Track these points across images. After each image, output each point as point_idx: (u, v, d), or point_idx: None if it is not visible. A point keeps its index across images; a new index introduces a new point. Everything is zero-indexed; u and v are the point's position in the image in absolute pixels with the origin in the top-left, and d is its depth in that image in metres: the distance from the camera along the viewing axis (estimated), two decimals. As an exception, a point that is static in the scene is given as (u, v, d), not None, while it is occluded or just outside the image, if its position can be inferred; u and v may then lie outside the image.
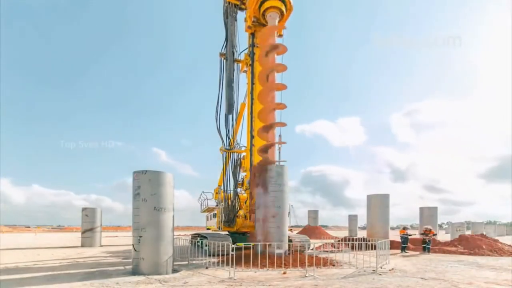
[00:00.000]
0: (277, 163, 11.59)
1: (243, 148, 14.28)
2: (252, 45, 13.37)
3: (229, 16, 13.49)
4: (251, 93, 13.31)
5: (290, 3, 11.89)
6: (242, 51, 14.23)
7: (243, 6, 13.75)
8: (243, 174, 14.43)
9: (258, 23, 12.91)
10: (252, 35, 13.36)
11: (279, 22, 12.11)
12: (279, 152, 12.54)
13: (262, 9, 12.03)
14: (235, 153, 13.83)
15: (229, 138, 13.40)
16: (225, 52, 13.79)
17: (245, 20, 13.48)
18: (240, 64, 14.32)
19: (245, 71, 14.53)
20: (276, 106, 11.30)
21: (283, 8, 11.85)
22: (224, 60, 13.72)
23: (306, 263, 7.85)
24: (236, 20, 13.66)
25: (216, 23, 14.40)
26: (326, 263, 9.55)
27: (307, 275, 7.52)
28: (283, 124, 11.56)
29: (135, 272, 7.57)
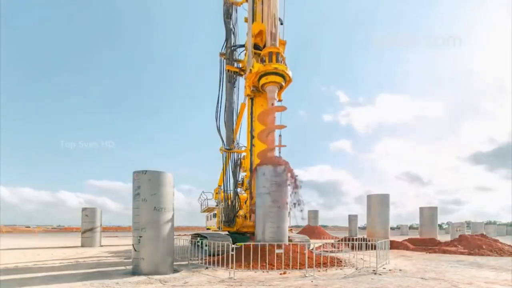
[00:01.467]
0: (276, 148, 11.63)
1: (243, 148, 14.29)
2: (252, 109, 13.28)
3: (227, 83, 13.40)
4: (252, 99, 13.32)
5: (289, 76, 11.67)
6: (242, 51, 14.25)
7: (242, 73, 13.71)
8: (243, 174, 14.44)
9: (257, 91, 12.89)
10: (252, 99, 13.27)
11: (278, 92, 12.10)
12: (279, 152, 12.55)
13: (261, 83, 11.89)
14: (235, 153, 13.84)
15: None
16: (225, 52, 13.82)
17: (245, 87, 13.37)
18: (240, 65, 14.32)
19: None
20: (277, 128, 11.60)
21: (282, 82, 11.75)
22: (225, 61, 13.76)
23: (306, 264, 7.86)
24: (235, 86, 13.63)
25: (216, 22, 14.43)
26: (332, 262, 9.53)
27: (307, 275, 7.53)
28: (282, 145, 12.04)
29: (135, 272, 7.58)
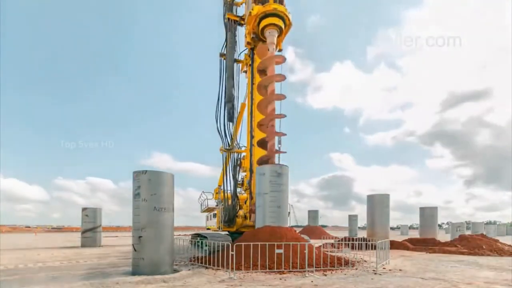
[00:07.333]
0: (276, 155, 11.63)
1: (243, 148, 14.29)
2: (252, 58, 13.33)
3: (228, 32, 13.46)
4: (251, 93, 13.32)
5: (289, 20, 11.83)
6: (242, 51, 14.25)
7: (242, 22, 13.82)
8: (243, 174, 14.44)
9: (257, 39, 12.93)
10: (252, 49, 13.32)
11: (278, 37, 12.21)
12: (279, 152, 12.55)
13: (261, 26, 12.03)
14: (235, 153, 13.84)
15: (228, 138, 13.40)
16: (225, 53, 13.82)
17: (245, 35, 13.48)
18: (240, 64, 14.32)
19: (245, 71, 14.53)
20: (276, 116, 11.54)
21: (282, 25, 11.86)
22: (224, 61, 13.75)
23: (306, 263, 7.85)
24: (235, 35, 13.66)
25: (216, 22, 14.43)
26: (332, 261, 9.51)
27: (307, 275, 7.53)
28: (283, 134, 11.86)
29: (135, 272, 7.57)
